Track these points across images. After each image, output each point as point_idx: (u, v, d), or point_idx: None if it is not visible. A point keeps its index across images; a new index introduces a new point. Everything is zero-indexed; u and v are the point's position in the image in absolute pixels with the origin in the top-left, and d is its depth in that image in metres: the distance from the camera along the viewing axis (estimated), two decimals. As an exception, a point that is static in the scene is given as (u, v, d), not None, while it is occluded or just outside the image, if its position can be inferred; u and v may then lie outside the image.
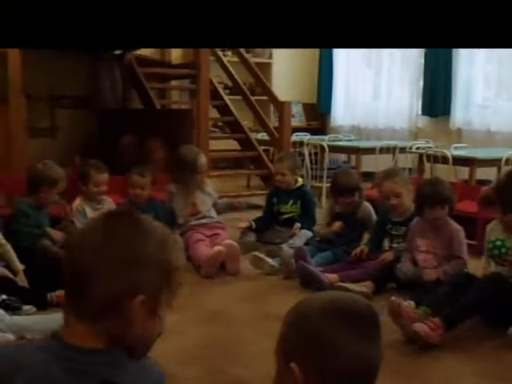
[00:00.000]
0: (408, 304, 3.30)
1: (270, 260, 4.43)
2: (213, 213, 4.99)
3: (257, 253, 4.53)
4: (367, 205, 4.63)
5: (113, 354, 1.26)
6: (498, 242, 3.38)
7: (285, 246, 4.59)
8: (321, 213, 5.12)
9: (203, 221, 4.87)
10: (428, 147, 6.99)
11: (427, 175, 6.55)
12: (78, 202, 4.59)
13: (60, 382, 1.21)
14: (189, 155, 4.97)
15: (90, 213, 4.54)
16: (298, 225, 4.91)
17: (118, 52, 8.41)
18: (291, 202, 5.10)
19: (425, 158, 6.52)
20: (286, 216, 5.10)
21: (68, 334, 1.26)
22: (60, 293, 3.52)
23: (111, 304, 1.24)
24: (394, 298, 3.31)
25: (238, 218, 5.50)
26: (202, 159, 4.98)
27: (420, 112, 9.04)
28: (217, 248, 4.38)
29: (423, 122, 9.09)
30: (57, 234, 4.27)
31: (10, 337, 2.59)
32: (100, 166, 4.64)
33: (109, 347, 1.26)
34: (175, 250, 1.36)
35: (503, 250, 3.36)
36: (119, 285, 1.25)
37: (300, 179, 5.28)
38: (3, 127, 5.78)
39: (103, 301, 1.24)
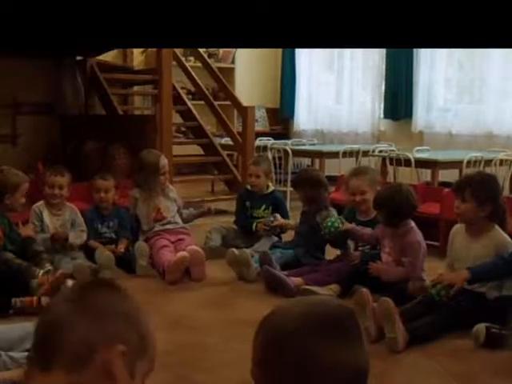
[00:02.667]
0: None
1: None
2: (177, 218, 4.96)
3: (234, 249, 4.48)
4: (331, 209, 4.64)
5: None
6: None
7: (248, 250, 4.56)
8: (291, 217, 5.13)
9: (168, 226, 4.84)
10: (391, 150, 7.05)
11: (390, 178, 6.61)
12: (38, 203, 4.57)
13: None
14: (150, 157, 4.95)
15: (49, 217, 4.50)
16: (277, 216, 4.92)
17: (79, 58, 8.34)
18: (264, 206, 5.09)
19: (388, 161, 6.57)
20: (258, 221, 5.10)
21: None
22: (27, 298, 3.50)
23: (85, 353, 1.15)
24: (363, 289, 3.33)
25: (204, 223, 5.49)
26: (164, 161, 4.96)
27: (382, 115, 9.12)
28: (181, 254, 4.35)
29: (385, 125, 9.18)
30: (25, 231, 4.23)
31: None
32: (58, 170, 4.62)
33: None
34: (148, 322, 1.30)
35: None
36: (95, 334, 1.17)
37: (271, 184, 5.29)
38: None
39: (77, 350, 1.15)
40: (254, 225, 4.97)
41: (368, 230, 4.20)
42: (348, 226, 4.20)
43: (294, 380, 1.14)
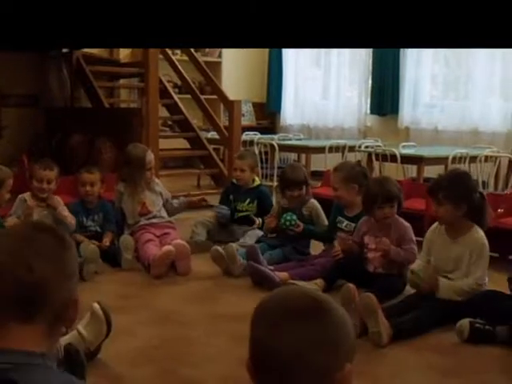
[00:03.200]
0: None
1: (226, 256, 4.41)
2: (163, 212, 4.95)
3: (217, 246, 4.49)
4: (314, 201, 4.65)
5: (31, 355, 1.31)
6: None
7: (233, 244, 4.55)
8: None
9: (153, 220, 4.83)
10: (377, 146, 7.07)
11: (376, 173, 6.63)
12: (25, 194, 4.54)
13: None
14: (136, 152, 4.92)
15: (35, 210, 4.48)
16: (259, 220, 4.92)
17: (65, 50, 8.30)
18: (248, 200, 5.10)
19: (374, 157, 6.59)
20: (241, 214, 5.10)
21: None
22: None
23: (62, 311, 1.38)
24: (350, 284, 3.34)
25: (190, 217, 5.48)
26: (150, 156, 4.94)
27: (369, 111, 9.14)
28: (166, 248, 4.35)
29: (372, 120, 9.20)
30: (10, 223, 4.20)
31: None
32: (46, 163, 4.58)
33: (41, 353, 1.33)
34: None
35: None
36: (67, 294, 1.39)
37: (257, 179, 5.29)
38: None
39: (58, 306, 1.36)
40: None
41: (350, 243, 4.17)
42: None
43: (253, 358, 1.22)
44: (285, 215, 4.47)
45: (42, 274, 1.33)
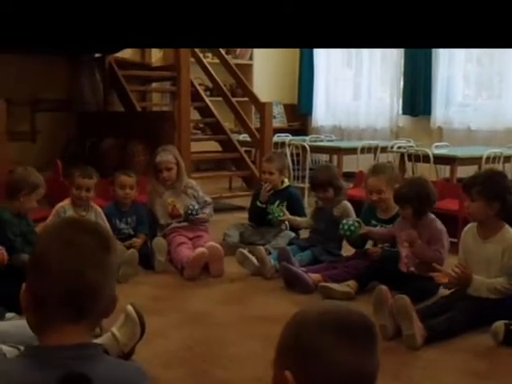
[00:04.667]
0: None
1: (253, 258, 4.42)
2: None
3: (242, 249, 4.51)
4: (346, 203, 4.63)
5: (90, 347, 1.40)
6: None
7: (261, 247, 4.54)
8: (307, 213, 5.13)
9: (185, 223, 4.85)
10: (409, 146, 7.01)
11: (409, 174, 6.58)
12: (63, 202, 4.53)
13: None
14: (156, 154, 4.96)
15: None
16: (288, 214, 4.91)
17: (98, 55, 8.38)
18: (278, 202, 5.09)
19: (406, 158, 6.54)
20: (271, 216, 5.10)
21: (50, 338, 1.37)
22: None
23: (106, 308, 1.45)
24: (383, 286, 3.32)
25: (222, 219, 5.49)
26: (162, 157, 4.92)
27: (401, 111, 9.08)
28: (199, 250, 4.36)
29: (404, 121, 9.13)
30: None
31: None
32: (86, 172, 4.55)
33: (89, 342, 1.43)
34: None
35: None
36: (111, 292, 1.45)
37: (286, 180, 5.29)
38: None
39: (104, 307, 1.43)
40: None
41: (383, 230, 4.20)
42: (365, 229, 4.20)
43: (300, 370, 1.20)
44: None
45: (93, 279, 1.38)
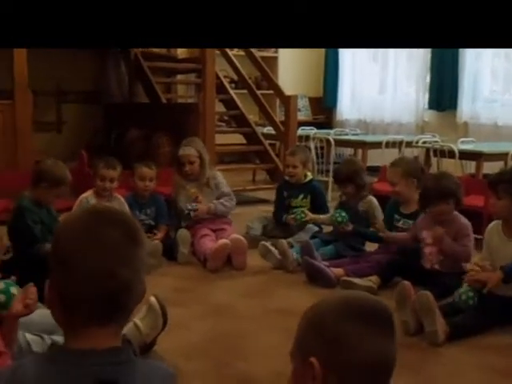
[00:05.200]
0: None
1: (276, 252, 4.41)
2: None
3: (265, 242, 4.52)
4: (371, 198, 4.61)
5: (121, 352, 1.29)
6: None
7: (284, 240, 4.54)
8: (330, 207, 5.12)
9: (209, 216, 4.85)
10: (434, 141, 6.97)
11: (434, 169, 6.54)
12: (86, 193, 4.56)
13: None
14: (179, 147, 4.97)
15: (97, 207, 4.50)
16: (310, 215, 4.89)
17: (124, 46, 8.41)
18: (301, 196, 5.08)
19: (431, 153, 6.50)
20: (295, 210, 5.09)
21: (78, 341, 1.28)
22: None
23: (137, 304, 1.36)
24: (406, 282, 3.30)
25: (245, 212, 5.49)
26: (185, 150, 4.91)
27: (426, 106, 9.02)
28: (222, 241, 4.37)
29: (430, 115, 9.07)
30: None
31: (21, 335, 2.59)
32: (110, 163, 4.56)
33: (120, 346, 1.31)
34: None
35: None
36: (142, 287, 1.35)
37: (309, 173, 5.27)
38: (10, 122, 5.79)
39: (136, 304, 1.35)
40: (284, 217, 4.96)
41: (401, 235, 4.15)
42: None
43: (326, 357, 1.21)
44: (335, 212, 4.54)
45: (124, 277, 1.27)
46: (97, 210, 1.42)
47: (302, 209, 4.88)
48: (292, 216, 4.82)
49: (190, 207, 4.71)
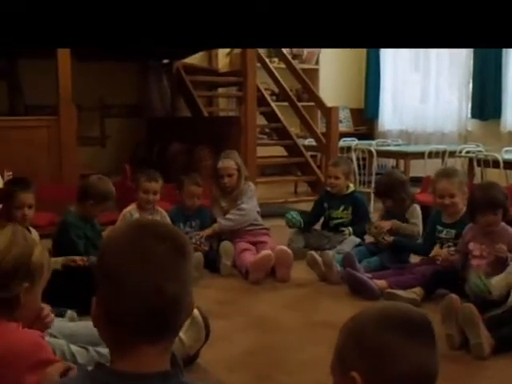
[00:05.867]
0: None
1: (321, 262, 4.40)
2: (258, 219, 4.97)
3: (313, 252, 4.50)
4: (415, 207, 4.58)
5: (171, 377, 1.26)
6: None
7: (330, 251, 4.52)
8: (372, 218, 5.09)
9: (248, 228, 4.86)
10: (478, 151, 6.89)
11: (478, 179, 6.46)
12: (129, 207, 4.62)
13: None
14: (218, 160, 4.99)
15: (140, 221, 4.54)
16: (349, 229, 4.88)
17: (165, 61, 8.51)
18: (342, 207, 5.06)
19: (475, 162, 6.43)
20: (336, 221, 5.06)
21: (125, 361, 1.25)
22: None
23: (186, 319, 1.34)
24: (453, 295, 3.25)
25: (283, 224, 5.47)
26: (224, 162, 4.92)
27: (469, 115, 8.91)
28: (264, 252, 4.37)
29: (473, 125, 8.96)
30: None
31: (62, 342, 2.63)
32: (152, 176, 4.62)
33: (170, 370, 1.27)
34: None
35: None
36: (191, 300, 1.32)
37: (351, 185, 5.25)
38: (55, 137, 5.89)
39: (185, 319, 1.32)
40: (367, 227, 4.73)
41: (454, 257, 4.04)
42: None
43: (367, 370, 1.20)
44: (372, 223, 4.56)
45: (172, 293, 1.24)
46: (141, 223, 1.40)
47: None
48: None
49: (194, 240, 4.59)
